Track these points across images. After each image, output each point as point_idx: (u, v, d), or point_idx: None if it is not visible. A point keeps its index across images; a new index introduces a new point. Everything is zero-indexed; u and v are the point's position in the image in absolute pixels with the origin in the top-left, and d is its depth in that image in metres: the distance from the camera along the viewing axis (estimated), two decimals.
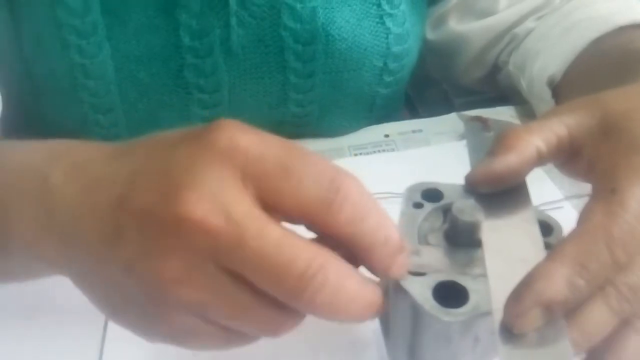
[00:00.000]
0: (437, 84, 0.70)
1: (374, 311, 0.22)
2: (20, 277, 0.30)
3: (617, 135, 0.25)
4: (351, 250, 0.21)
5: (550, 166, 0.28)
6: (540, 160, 0.26)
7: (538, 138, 0.26)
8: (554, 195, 0.43)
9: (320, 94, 0.47)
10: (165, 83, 0.44)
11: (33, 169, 0.25)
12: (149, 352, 0.33)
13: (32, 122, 0.48)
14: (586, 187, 0.26)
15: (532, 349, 0.20)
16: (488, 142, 0.31)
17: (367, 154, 0.49)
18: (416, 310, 0.23)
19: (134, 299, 0.22)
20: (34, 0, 0.40)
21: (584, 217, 0.23)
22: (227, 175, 0.20)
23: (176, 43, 0.42)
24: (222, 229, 0.19)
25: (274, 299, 0.20)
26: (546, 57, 0.47)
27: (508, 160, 0.26)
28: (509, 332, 0.21)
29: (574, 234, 0.23)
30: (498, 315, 0.21)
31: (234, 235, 0.19)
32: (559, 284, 0.21)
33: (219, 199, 0.20)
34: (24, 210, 0.25)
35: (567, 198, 0.43)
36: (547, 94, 0.47)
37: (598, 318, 0.22)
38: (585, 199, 0.25)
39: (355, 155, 0.49)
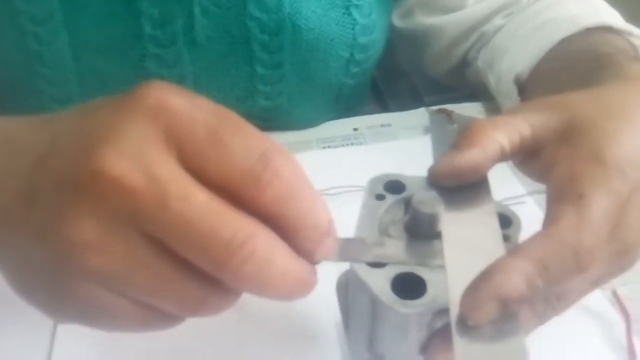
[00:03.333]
0: (408, 78, 0.70)
1: (304, 288, 0.21)
2: None
3: (580, 142, 0.25)
4: (276, 230, 0.20)
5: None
6: (502, 157, 0.27)
7: (502, 135, 0.26)
8: (517, 191, 0.43)
9: (288, 85, 0.47)
10: (126, 73, 0.43)
11: None
12: (99, 350, 0.32)
13: None
14: None
15: (487, 343, 0.20)
16: (452, 134, 0.31)
17: (336, 147, 0.49)
18: (374, 302, 0.23)
19: (44, 271, 0.20)
20: None
21: (552, 218, 0.23)
22: (151, 134, 0.19)
23: (137, 32, 0.41)
24: (142, 188, 0.18)
25: (198, 271, 0.19)
26: (514, 55, 0.47)
27: (471, 156, 0.26)
28: (465, 324, 0.21)
29: (542, 234, 0.23)
30: (455, 307, 0.21)
31: (156, 196, 0.18)
32: (517, 280, 0.21)
33: (140, 157, 0.18)
34: None
35: (529, 193, 0.43)
36: (513, 91, 0.47)
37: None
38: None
39: (324, 148, 0.49)
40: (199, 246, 0.18)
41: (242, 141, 0.19)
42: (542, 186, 0.28)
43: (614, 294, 0.34)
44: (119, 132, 0.19)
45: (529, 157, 0.27)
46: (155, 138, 0.19)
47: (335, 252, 0.22)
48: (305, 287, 0.21)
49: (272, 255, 0.19)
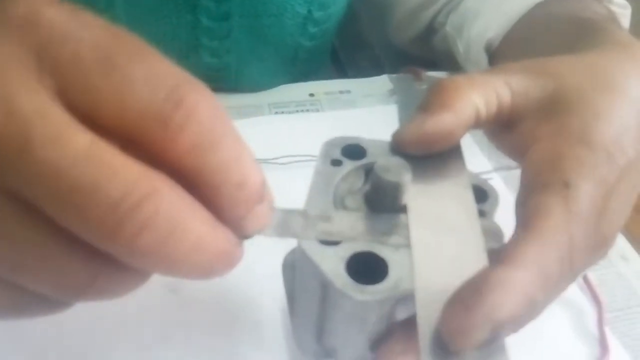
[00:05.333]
0: (370, 49, 0.66)
1: (227, 263, 0.16)
2: None
3: (564, 118, 0.22)
4: (192, 190, 0.16)
5: (480, 135, 0.25)
6: (477, 123, 0.23)
7: (479, 96, 0.22)
8: (483, 166, 0.40)
9: (237, 42, 0.42)
10: None
11: None
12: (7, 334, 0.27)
13: None
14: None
15: None
16: (420, 96, 0.27)
17: (290, 112, 0.45)
18: (325, 287, 0.19)
19: None
20: None
21: (539, 211, 0.19)
22: (14, 55, 0.14)
23: None
24: None
25: (82, 241, 0.14)
26: (485, 19, 0.44)
27: (443, 121, 0.22)
28: (443, 346, 0.16)
29: (533, 233, 0.19)
30: (423, 309, 0.17)
31: (15, 137, 0.13)
32: (518, 297, 0.17)
33: None
34: None
35: (496, 170, 0.40)
36: (483, 59, 0.44)
37: None
38: (515, 172, 0.22)
39: (276, 113, 0.44)
40: (74, 208, 0.14)
41: (145, 71, 0.14)
42: (510, 162, 0.24)
43: (585, 279, 0.31)
44: None
45: (504, 128, 0.23)
46: (21, 61, 0.14)
47: (272, 225, 0.18)
48: (228, 260, 0.16)
49: (181, 219, 0.14)
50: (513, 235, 0.19)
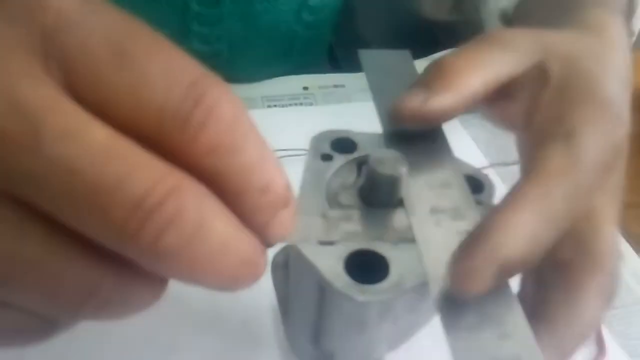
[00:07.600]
0: (367, 46, 0.65)
1: (252, 272, 0.15)
2: None
3: (567, 81, 0.22)
4: (215, 193, 0.14)
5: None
6: (474, 104, 0.22)
7: (479, 79, 0.22)
8: (480, 162, 0.40)
9: (228, 28, 0.41)
10: None
11: None
12: None
13: None
14: (512, 155, 0.23)
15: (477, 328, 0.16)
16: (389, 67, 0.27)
17: (283, 106, 0.44)
18: (323, 288, 0.18)
19: None
20: None
21: (538, 161, 0.19)
22: (17, 41, 0.13)
23: None
24: (2, 125, 0.12)
25: (90, 246, 0.13)
26: None
27: (445, 101, 0.21)
28: (453, 302, 0.16)
29: (532, 178, 0.19)
30: (435, 284, 0.17)
31: (22, 133, 0.12)
32: (520, 236, 0.17)
33: (0, 77, 0.12)
34: None
35: (492, 165, 0.40)
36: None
37: None
38: (511, 168, 0.21)
39: (269, 107, 0.44)
40: (91, 209, 0.12)
41: (162, 64, 0.13)
42: (506, 158, 0.24)
43: None
44: None
45: (500, 99, 0.23)
46: (25, 47, 0.13)
47: (296, 231, 0.17)
48: (253, 269, 0.15)
49: (206, 218, 0.13)
50: (516, 183, 0.19)
